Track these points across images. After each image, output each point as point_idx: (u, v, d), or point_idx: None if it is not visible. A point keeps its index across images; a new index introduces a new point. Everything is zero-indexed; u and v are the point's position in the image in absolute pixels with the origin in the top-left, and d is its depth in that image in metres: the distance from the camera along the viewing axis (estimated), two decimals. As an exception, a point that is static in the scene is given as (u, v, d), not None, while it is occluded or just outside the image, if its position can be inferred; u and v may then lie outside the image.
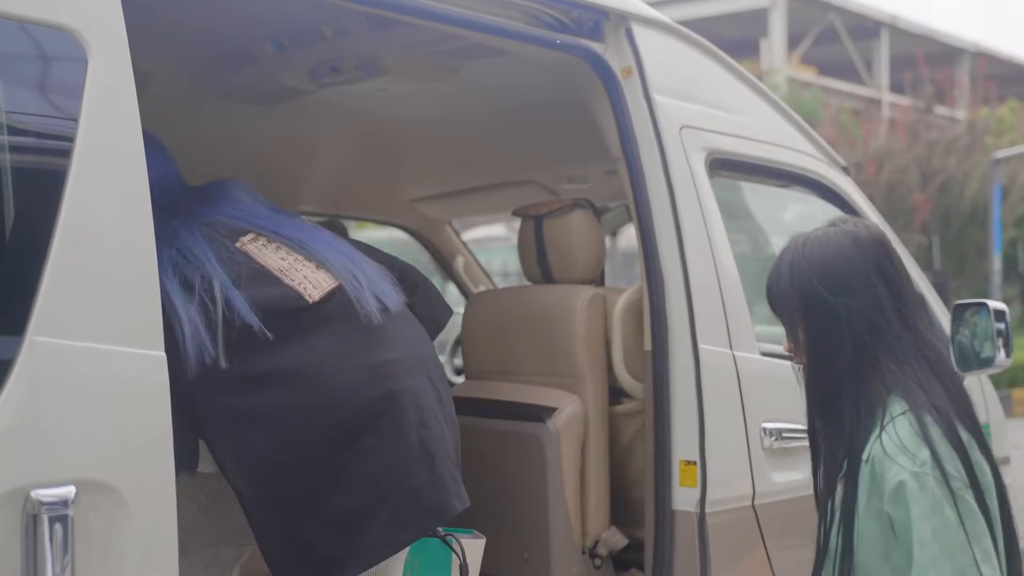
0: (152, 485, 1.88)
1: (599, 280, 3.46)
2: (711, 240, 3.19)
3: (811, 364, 2.11)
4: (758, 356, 3.24)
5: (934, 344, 2.04)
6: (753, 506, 3.15)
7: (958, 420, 1.95)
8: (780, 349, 3.35)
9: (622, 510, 3.31)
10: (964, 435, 1.94)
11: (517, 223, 3.62)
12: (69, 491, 1.75)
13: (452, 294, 5.38)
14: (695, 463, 3.03)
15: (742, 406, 3.15)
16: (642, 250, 3.12)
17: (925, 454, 1.88)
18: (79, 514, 1.77)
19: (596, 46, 3.17)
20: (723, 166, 3.37)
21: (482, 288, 5.24)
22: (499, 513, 3.29)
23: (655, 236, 3.09)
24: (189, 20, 3.51)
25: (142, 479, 1.86)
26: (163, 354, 1.91)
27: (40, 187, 1.85)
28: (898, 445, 1.91)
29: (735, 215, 3.81)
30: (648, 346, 3.10)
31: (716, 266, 3.17)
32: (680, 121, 3.22)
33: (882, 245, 2.08)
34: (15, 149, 1.84)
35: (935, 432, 1.91)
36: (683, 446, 3.05)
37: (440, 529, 2.60)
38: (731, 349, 3.16)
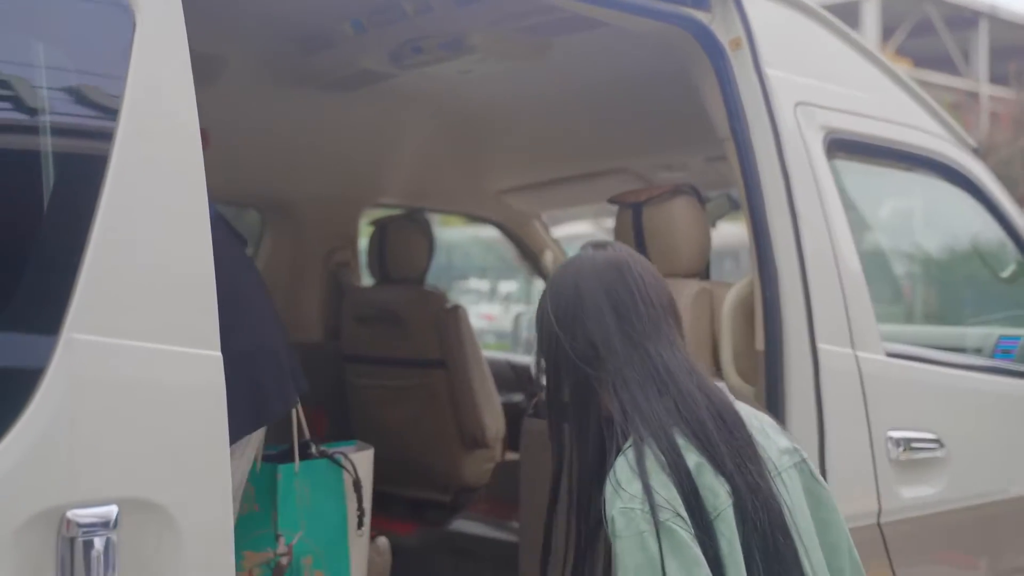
0: (206, 504, 1.64)
1: (704, 273, 3.16)
2: (830, 228, 2.88)
3: (547, 396, 2.05)
4: (883, 357, 2.92)
5: (667, 363, 1.92)
6: (879, 524, 2.83)
7: (695, 440, 1.86)
8: (908, 349, 3.06)
9: (731, 526, 3.01)
10: (694, 459, 1.84)
11: (605, 221, 3.34)
12: (110, 511, 1.53)
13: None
14: (814, 476, 2.72)
15: (866, 412, 2.84)
16: (753, 239, 2.82)
17: (636, 487, 1.80)
18: (122, 537, 1.54)
19: (702, 15, 2.87)
20: (842, 147, 3.05)
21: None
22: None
23: (768, 224, 2.79)
24: (263, 2, 3.31)
25: (194, 497, 1.63)
26: (219, 354, 1.67)
27: (79, 167, 1.63)
28: (614, 482, 1.84)
29: (855, 201, 3.48)
30: (760, 346, 2.80)
31: (836, 257, 2.86)
32: (795, 97, 2.91)
33: (616, 267, 1.98)
34: (53, 124, 1.62)
35: (652, 462, 1.82)
36: (800, 455, 2.74)
37: (325, 448, 2.61)
38: (853, 349, 2.85)
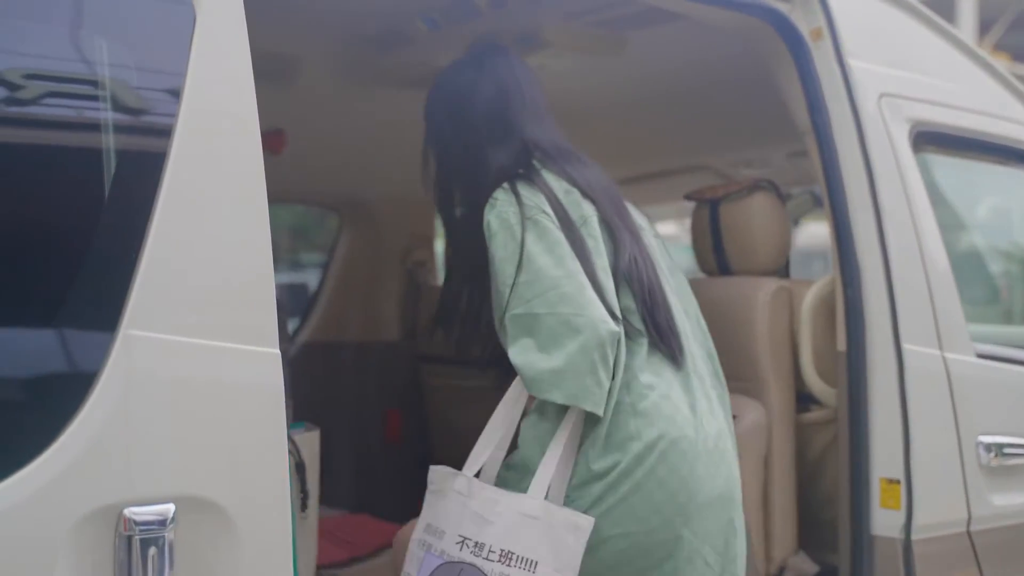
0: (264, 503, 1.62)
1: (784, 272, 3.07)
2: (916, 225, 2.77)
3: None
4: (973, 359, 2.80)
5: (557, 140, 2.37)
6: (968, 533, 2.72)
7: (570, 180, 2.16)
8: (1001, 350, 2.93)
9: (812, 533, 2.91)
10: (565, 186, 2.14)
11: (689, 221, 3.26)
12: (167, 509, 1.52)
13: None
14: (898, 482, 2.62)
15: (954, 416, 2.73)
16: (835, 236, 2.73)
17: (509, 198, 2.06)
18: (179, 536, 1.53)
19: (781, 5, 2.79)
20: (930, 140, 2.93)
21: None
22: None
23: (850, 220, 2.70)
24: (337, 0, 3.30)
25: (252, 496, 1.61)
26: (278, 351, 1.65)
27: (137, 164, 1.61)
28: (492, 200, 2.07)
29: (946, 197, 3.35)
30: (842, 346, 2.71)
31: (922, 254, 2.75)
32: (879, 89, 2.81)
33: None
34: (111, 121, 1.61)
35: (524, 185, 2.09)
36: (884, 462, 2.65)
37: None
38: (941, 350, 2.73)
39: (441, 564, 1.87)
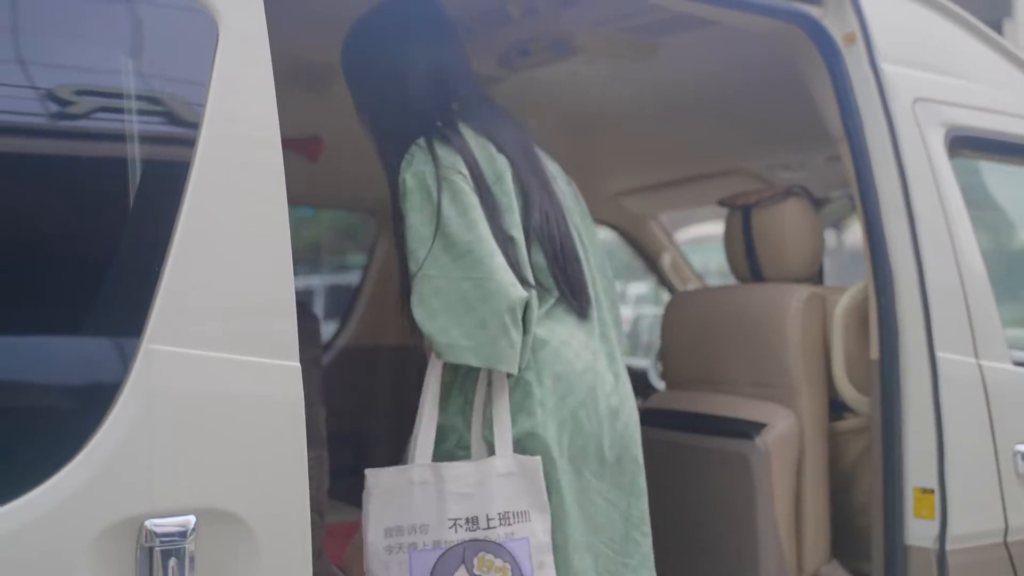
0: (284, 515, 1.64)
1: (817, 278, 3.04)
2: (951, 231, 2.73)
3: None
4: (1010, 366, 2.76)
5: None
6: (1006, 543, 2.68)
7: (485, 133, 2.18)
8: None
9: (845, 542, 2.89)
10: (480, 142, 2.14)
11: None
12: (188, 521, 1.54)
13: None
14: (932, 491, 2.59)
15: (991, 425, 2.69)
16: (868, 243, 2.70)
17: (425, 157, 2.05)
18: (200, 547, 1.55)
19: (813, 10, 2.77)
20: (967, 145, 2.90)
21: (690, 287, 4.87)
22: (701, 540, 2.93)
23: (883, 226, 2.67)
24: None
25: (272, 509, 1.62)
26: (298, 364, 1.66)
27: (159, 178, 1.64)
28: (408, 158, 2.08)
29: (985, 202, 3.30)
30: (875, 354, 2.68)
31: (957, 261, 2.72)
32: (914, 93, 2.78)
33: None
34: (133, 134, 1.64)
35: (440, 144, 2.08)
36: (918, 470, 2.62)
37: None
38: (976, 358, 2.70)
39: (442, 554, 1.86)
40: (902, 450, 2.63)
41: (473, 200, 2.00)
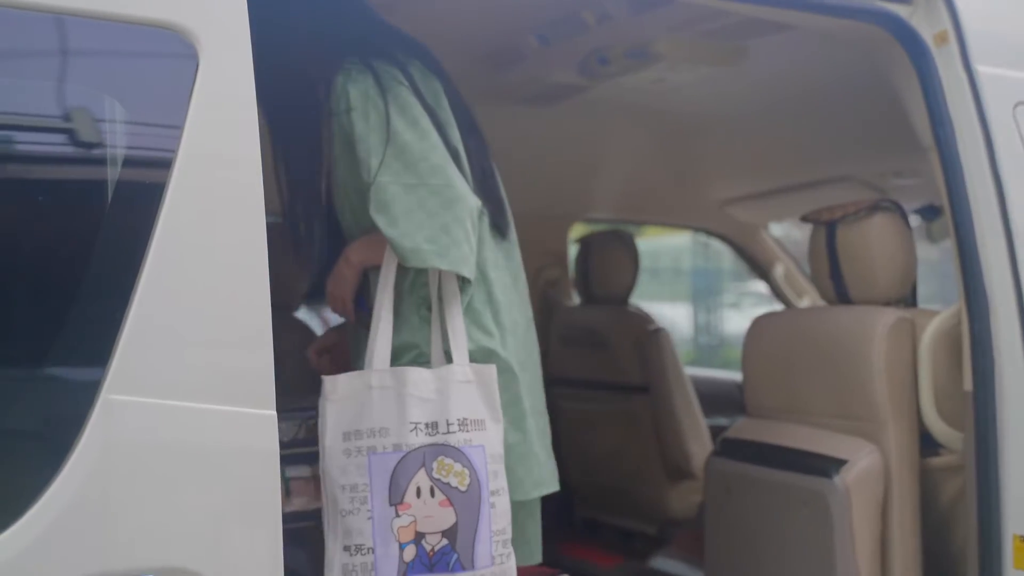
0: (253, 574, 1.54)
1: (909, 300, 2.79)
2: (1056, 250, 2.45)
3: None
4: (1125, 401, 2.46)
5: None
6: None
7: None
8: None
9: (940, 590, 2.64)
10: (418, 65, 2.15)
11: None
12: (147, 581, 1.45)
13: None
14: (1034, 539, 2.33)
15: (1100, 466, 2.40)
16: (960, 263, 2.46)
17: (365, 72, 2.05)
18: (160, 608, 1.46)
19: (900, 9, 2.54)
20: (1075, 153, 2.60)
21: (806, 301, 4.62)
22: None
23: (978, 245, 2.42)
24: (446, 18, 3.23)
25: (240, 568, 1.53)
26: (273, 413, 1.57)
27: (129, 210, 1.56)
28: (344, 72, 2.06)
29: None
30: (968, 385, 2.43)
31: (1063, 283, 2.43)
32: (1014, 97, 2.52)
33: None
34: (104, 168, 1.56)
35: (379, 63, 2.07)
36: (1018, 517, 2.36)
37: None
38: (1085, 391, 2.41)
39: (402, 457, 1.86)
40: (999, 492, 2.38)
41: (421, 110, 2.02)
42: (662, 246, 13.46)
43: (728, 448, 2.94)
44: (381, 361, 1.94)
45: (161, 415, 1.50)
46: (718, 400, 4.25)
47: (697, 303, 12.85)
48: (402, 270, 1.99)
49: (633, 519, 4.04)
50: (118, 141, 1.56)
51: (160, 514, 1.49)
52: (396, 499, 1.84)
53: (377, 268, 2.03)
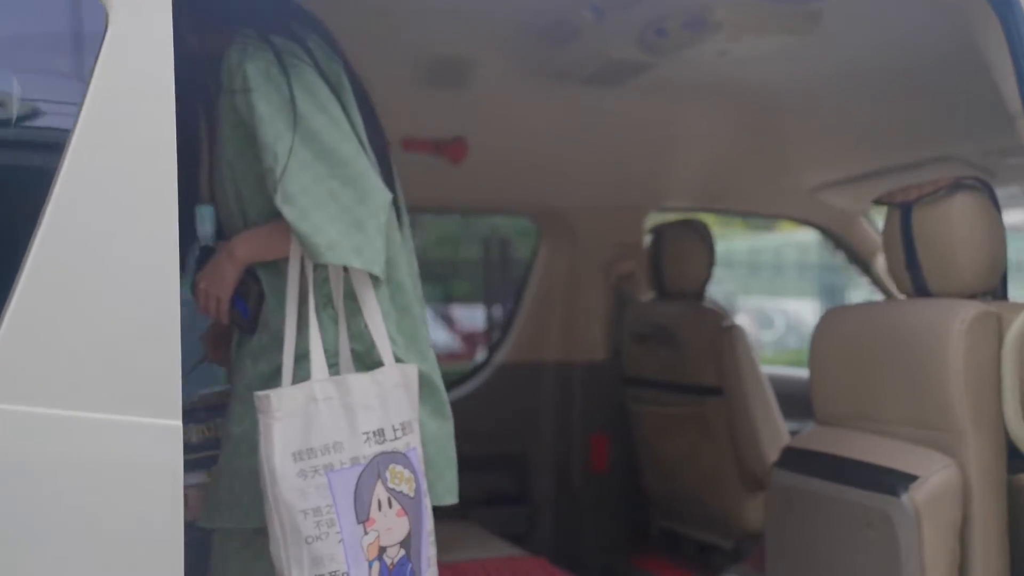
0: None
1: (998, 292, 2.43)
2: None
3: None
4: None
5: None
6: None
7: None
8: None
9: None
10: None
11: None
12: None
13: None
14: None
15: None
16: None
17: (263, 46, 1.88)
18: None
19: (981, -45, 2.20)
20: None
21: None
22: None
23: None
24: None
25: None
26: (178, 423, 1.36)
27: (13, 194, 1.37)
28: (239, 48, 1.89)
29: None
30: (1061, 391, 2.08)
31: None
32: None
33: None
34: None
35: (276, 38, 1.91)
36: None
37: None
38: None
39: (362, 470, 1.74)
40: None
41: (328, 93, 1.88)
42: (788, 241, 12.99)
43: (791, 459, 2.63)
44: (320, 369, 1.79)
45: (42, 425, 1.30)
46: (803, 402, 3.91)
47: (824, 300, 12.37)
48: (299, 267, 1.85)
49: (708, 531, 3.74)
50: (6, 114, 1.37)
51: (42, 536, 1.30)
52: (363, 516, 1.72)
53: (262, 264, 1.89)
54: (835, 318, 2.66)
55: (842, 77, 3.36)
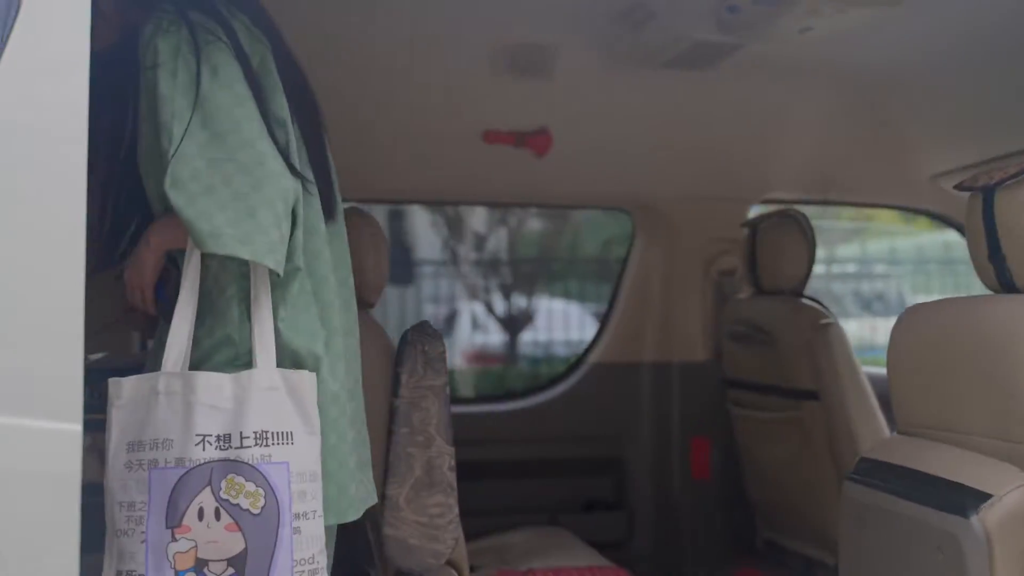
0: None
1: (1096, 287, 2.13)
2: None
3: None
4: None
5: None
6: None
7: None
8: None
9: None
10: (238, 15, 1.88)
11: None
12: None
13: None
14: None
15: None
16: None
17: (176, 20, 1.80)
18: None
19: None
20: None
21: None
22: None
23: None
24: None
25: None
26: (78, 427, 1.27)
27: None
28: (155, 23, 1.81)
29: None
30: None
31: None
32: None
33: None
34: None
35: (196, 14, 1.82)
36: None
37: None
38: None
39: (185, 473, 1.63)
40: None
41: (238, 72, 1.78)
42: (955, 238, 12.32)
43: (865, 471, 2.38)
44: (172, 363, 1.71)
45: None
46: None
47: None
48: (220, 257, 1.75)
49: (814, 545, 3.48)
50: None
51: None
52: (173, 521, 1.61)
53: (182, 252, 1.78)
54: (914, 317, 2.40)
55: (961, 53, 3.06)
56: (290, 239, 1.75)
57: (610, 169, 3.73)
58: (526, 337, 10.93)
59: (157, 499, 1.62)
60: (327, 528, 1.85)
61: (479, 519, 3.60)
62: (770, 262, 3.53)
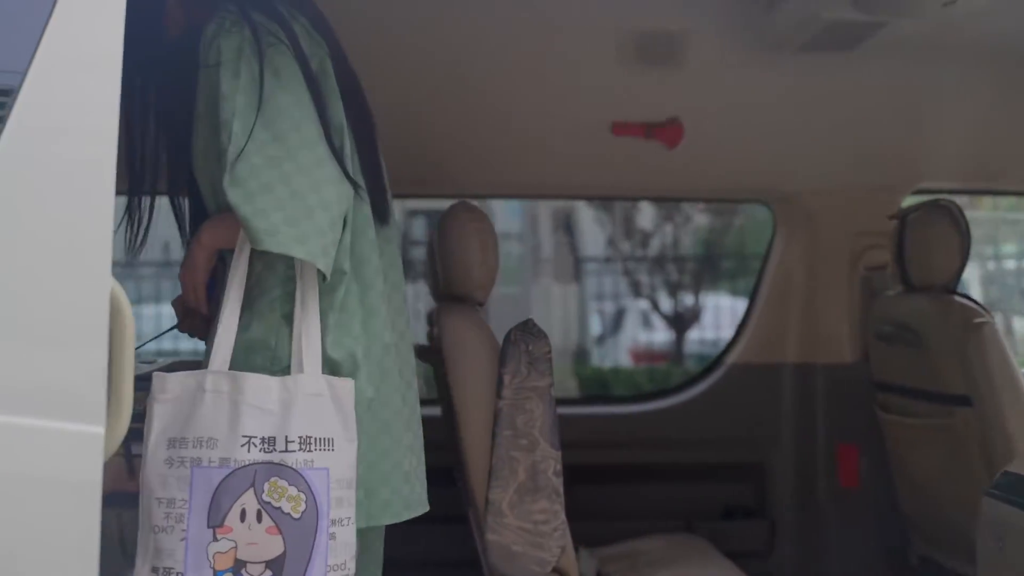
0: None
1: None
2: None
3: None
4: None
5: None
6: None
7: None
8: None
9: None
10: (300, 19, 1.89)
11: None
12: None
13: None
14: None
15: None
16: None
17: (242, 21, 1.80)
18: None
19: None
20: None
21: None
22: None
23: None
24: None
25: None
26: (100, 430, 1.23)
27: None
28: (218, 21, 1.82)
29: None
30: None
31: None
32: None
33: None
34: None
35: (258, 15, 1.82)
36: None
37: None
38: None
39: (229, 473, 1.63)
40: None
41: (299, 76, 1.80)
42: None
43: (1006, 486, 2.17)
44: (221, 362, 1.71)
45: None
46: None
47: None
48: (268, 258, 1.75)
49: (974, 565, 3.22)
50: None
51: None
52: (216, 521, 1.62)
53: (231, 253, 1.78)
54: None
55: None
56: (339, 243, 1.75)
57: (746, 160, 3.56)
58: (692, 335, 10.73)
59: (199, 497, 1.62)
60: (374, 529, 1.89)
61: (611, 524, 3.50)
62: (919, 256, 3.27)
